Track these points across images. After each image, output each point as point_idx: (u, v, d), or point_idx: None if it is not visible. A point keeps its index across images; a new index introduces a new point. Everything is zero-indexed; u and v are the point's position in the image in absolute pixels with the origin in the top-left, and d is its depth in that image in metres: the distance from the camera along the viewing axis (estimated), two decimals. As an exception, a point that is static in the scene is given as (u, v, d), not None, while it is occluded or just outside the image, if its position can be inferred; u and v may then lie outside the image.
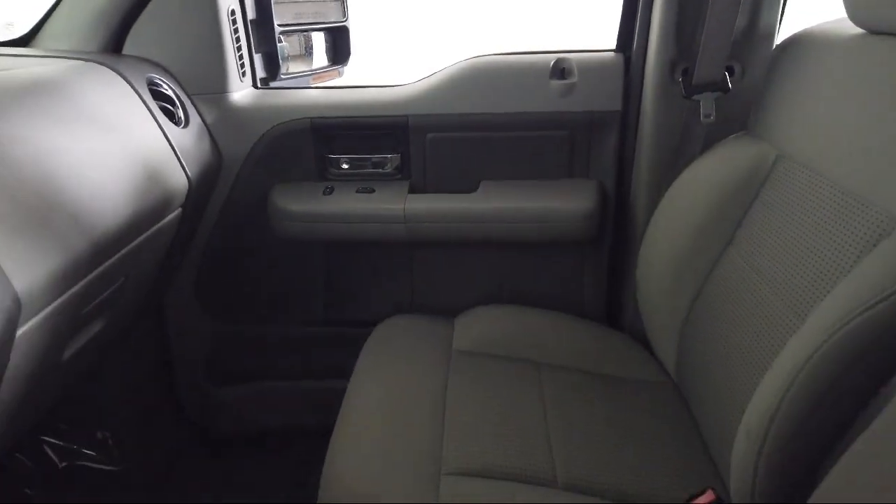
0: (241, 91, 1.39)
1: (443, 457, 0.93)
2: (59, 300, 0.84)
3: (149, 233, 1.09)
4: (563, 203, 1.36)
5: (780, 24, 1.28)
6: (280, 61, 1.52)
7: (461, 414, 1.02)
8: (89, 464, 1.34)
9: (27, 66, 1.05)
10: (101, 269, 0.94)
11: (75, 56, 1.16)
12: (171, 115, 1.21)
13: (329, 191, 1.39)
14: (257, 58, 1.46)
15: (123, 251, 1.01)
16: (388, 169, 1.41)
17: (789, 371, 0.73)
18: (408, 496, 0.87)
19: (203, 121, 1.33)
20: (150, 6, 1.25)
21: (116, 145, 1.03)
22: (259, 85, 1.46)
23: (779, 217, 0.93)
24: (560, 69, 1.35)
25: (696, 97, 1.21)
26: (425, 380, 1.11)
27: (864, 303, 0.67)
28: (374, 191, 1.39)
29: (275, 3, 1.48)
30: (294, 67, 1.63)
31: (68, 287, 0.86)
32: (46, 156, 0.87)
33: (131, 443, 1.44)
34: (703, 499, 0.79)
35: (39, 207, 0.82)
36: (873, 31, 0.86)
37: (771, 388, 0.75)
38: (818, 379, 0.70)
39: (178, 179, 1.17)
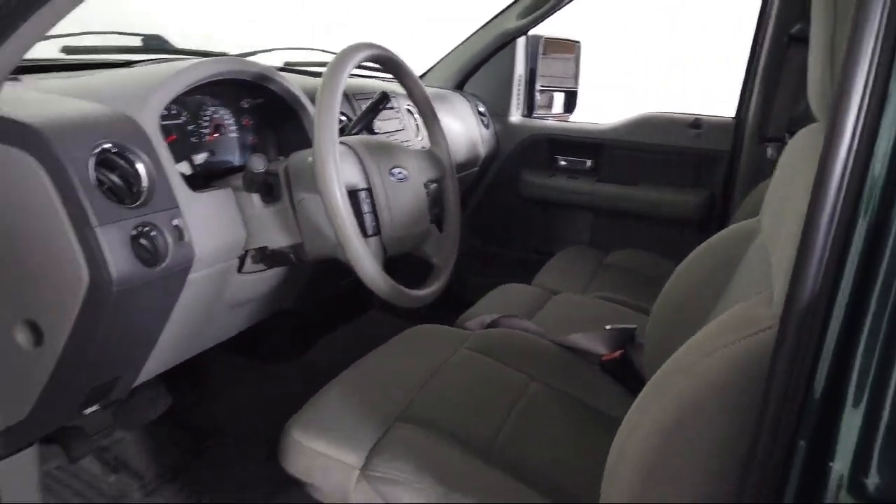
0: (514, 116, 2.50)
1: (590, 285, 1.90)
2: None
3: (463, 174, 2.20)
4: (687, 198, 2.27)
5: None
6: (535, 106, 2.62)
7: (597, 284, 1.98)
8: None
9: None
10: None
11: (444, 87, 2.34)
12: (482, 122, 2.34)
13: (552, 174, 2.44)
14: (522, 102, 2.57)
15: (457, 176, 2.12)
16: (587, 168, 2.43)
17: None
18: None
19: (494, 128, 2.45)
20: (481, 70, 2.42)
21: (464, 129, 2.16)
22: (524, 115, 2.57)
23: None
24: (696, 123, 2.28)
25: (766, 145, 2.09)
26: (577, 272, 2.07)
27: None
28: (577, 178, 2.41)
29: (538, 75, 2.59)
30: (540, 112, 2.72)
31: None
32: (449, 125, 2.01)
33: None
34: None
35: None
36: None
37: None
38: None
39: (480, 153, 2.28)
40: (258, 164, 1.02)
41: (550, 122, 2.51)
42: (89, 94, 1.05)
